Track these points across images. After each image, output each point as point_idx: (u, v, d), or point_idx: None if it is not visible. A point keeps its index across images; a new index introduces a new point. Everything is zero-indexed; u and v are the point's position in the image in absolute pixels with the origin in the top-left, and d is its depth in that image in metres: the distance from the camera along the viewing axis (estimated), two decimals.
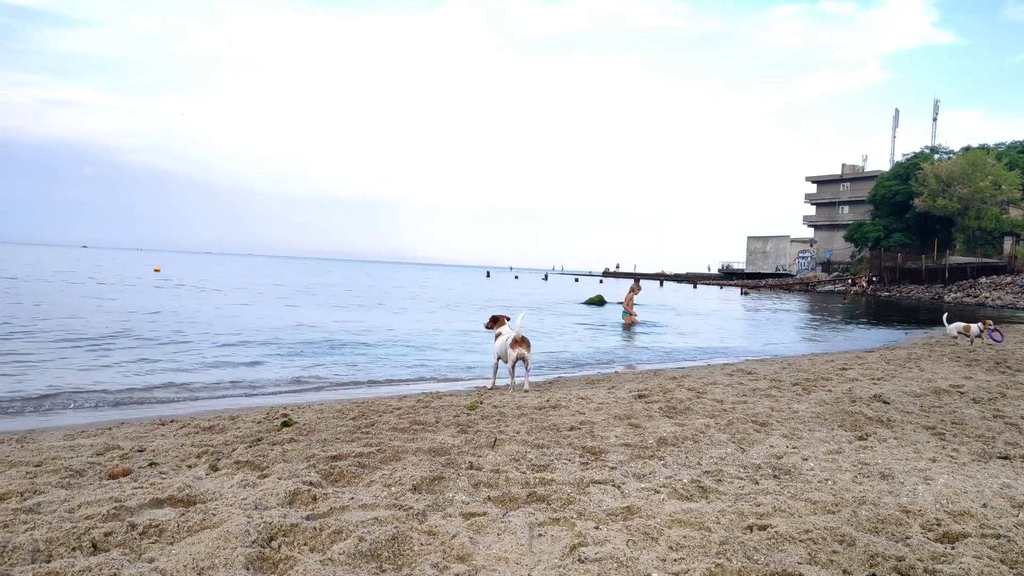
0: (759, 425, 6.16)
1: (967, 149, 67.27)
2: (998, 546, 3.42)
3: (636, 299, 22.26)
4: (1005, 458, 5.23)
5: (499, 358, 8.61)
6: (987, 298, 45.33)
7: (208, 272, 57.85)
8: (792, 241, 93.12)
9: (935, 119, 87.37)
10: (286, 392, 9.06)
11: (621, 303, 22.86)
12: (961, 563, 3.19)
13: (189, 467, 4.52)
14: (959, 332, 16.17)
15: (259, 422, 6.15)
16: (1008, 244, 55.80)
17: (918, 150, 72.33)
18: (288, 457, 4.70)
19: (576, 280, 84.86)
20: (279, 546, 3.11)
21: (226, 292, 32.46)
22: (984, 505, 4.05)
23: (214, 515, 3.37)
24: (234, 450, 4.95)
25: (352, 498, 3.79)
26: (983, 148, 67.53)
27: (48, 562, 2.86)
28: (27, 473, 4.25)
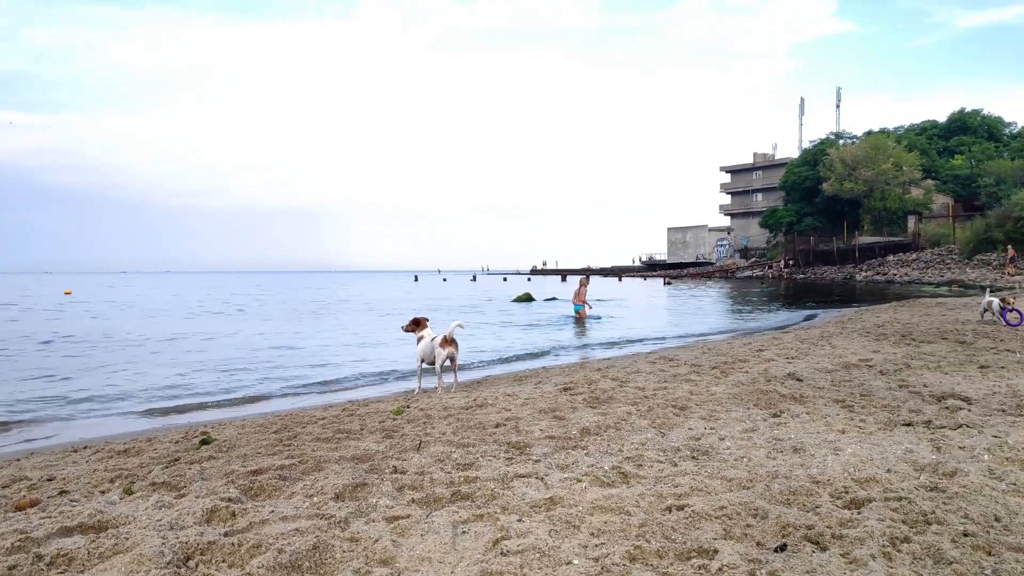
0: (679, 409, 6.33)
1: (869, 133, 70.39)
2: (900, 508, 3.61)
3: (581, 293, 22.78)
4: (908, 425, 5.51)
5: (423, 360, 8.56)
6: (895, 275, 47.54)
7: (122, 292, 55.61)
8: (710, 230, 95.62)
9: (838, 106, 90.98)
10: (209, 409, 8.81)
11: (571, 300, 23.27)
12: (866, 526, 3.36)
13: (102, 492, 4.36)
14: (984, 308, 13.60)
15: (177, 442, 5.98)
16: (912, 222, 58.64)
17: (824, 136, 75.38)
18: (207, 475, 4.59)
19: (505, 279, 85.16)
20: (196, 565, 3.04)
21: (141, 310, 31.35)
22: (888, 471, 4.27)
23: (127, 539, 3.27)
24: (150, 472, 4.80)
25: (272, 511, 3.73)
26: (884, 132, 70.80)
27: None
28: None
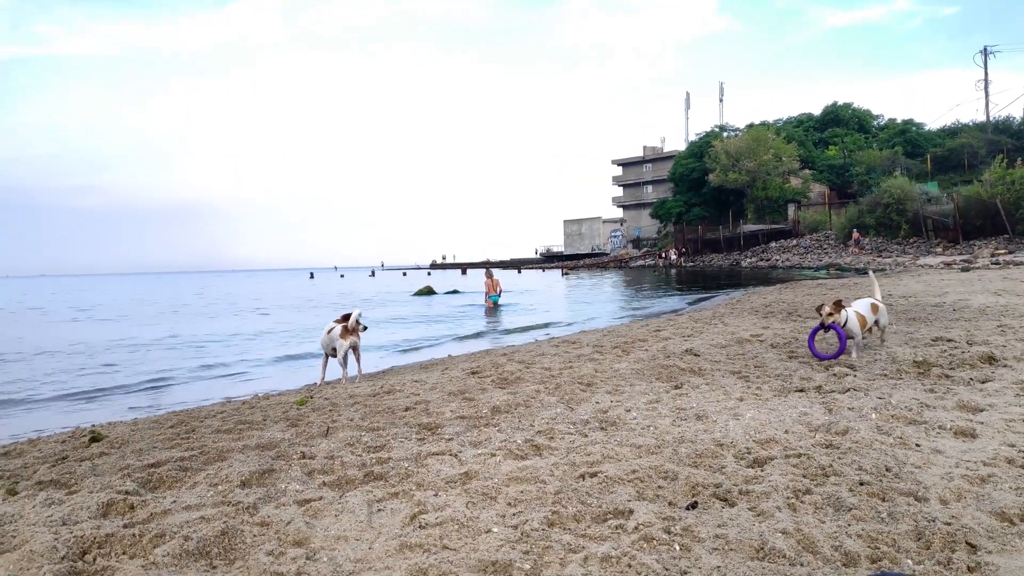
0: (585, 386, 6.44)
1: (751, 126, 73.50)
2: (800, 463, 3.80)
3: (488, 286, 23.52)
4: (801, 391, 5.80)
5: (326, 353, 8.34)
6: (778, 260, 49.94)
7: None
8: (604, 222, 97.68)
9: (721, 100, 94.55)
10: (93, 410, 8.30)
11: (485, 291, 23.82)
12: (770, 482, 3.52)
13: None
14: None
15: (63, 441, 5.61)
16: (792, 210, 61.71)
17: (709, 129, 78.19)
18: (99, 471, 4.32)
19: (404, 274, 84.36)
20: (94, 558, 2.86)
21: (18, 313, 29.25)
22: (786, 431, 4.48)
23: (14, 537, 3.05)
24: (35, 472, 4.47)
25: (175, 501, 3.56)
26: (764, 124, 74.11)
27: None
28: None
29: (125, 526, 3.19)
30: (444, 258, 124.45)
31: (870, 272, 8.67)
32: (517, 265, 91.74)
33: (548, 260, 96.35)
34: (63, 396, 9.26)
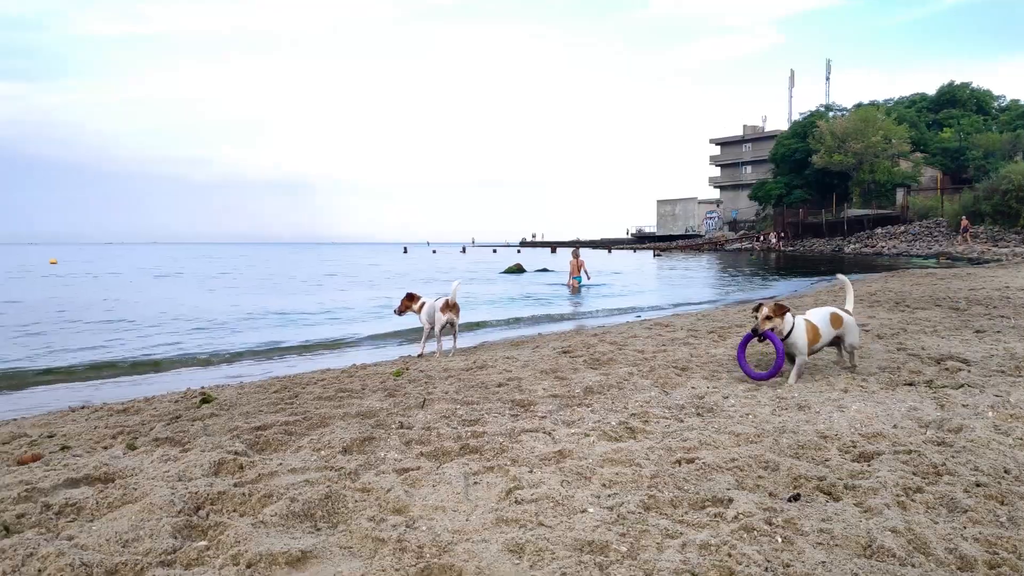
0: (680, 370, 6.33)
1: (859, 106, 70.11)
2: (910, 460, 3.62)
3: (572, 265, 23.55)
4: (910, 384, 5.53)
5: (430, 325, 8.53)
6: (883, 247, 47.72)
7: (110, 262, 55.00)
8: (699, 203, 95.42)
9: (828, 78, 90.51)
10: (203, 370, 8.75)
11: (569, 271, 23.81)
12: (877, 478, 3.37)
13: (105, 448, 4.31)
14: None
15: (176, 401, 5.93)
16: (900, 195, 58.75)
17: (814, 109, 75.10)
18: (210, 431, 4.55)
19: (494, 251, 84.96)
20: (207, 514, 3.01)
21: (128, 278, 31.10)
22: (895, 426, 4.28)
23: (135, 489, 3.23)
24: (152, 428, 4.75)
25: (280, 464, 3.70)
26: (873, 104, 70.59)
27: None
28: None
29: (235, 485, 3.34)
30: (534, 236, 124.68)
31: (839, 276, 7.15)
32: (607, 245, 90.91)
33: (640, 241, 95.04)
34: (180, 357, 9.80)
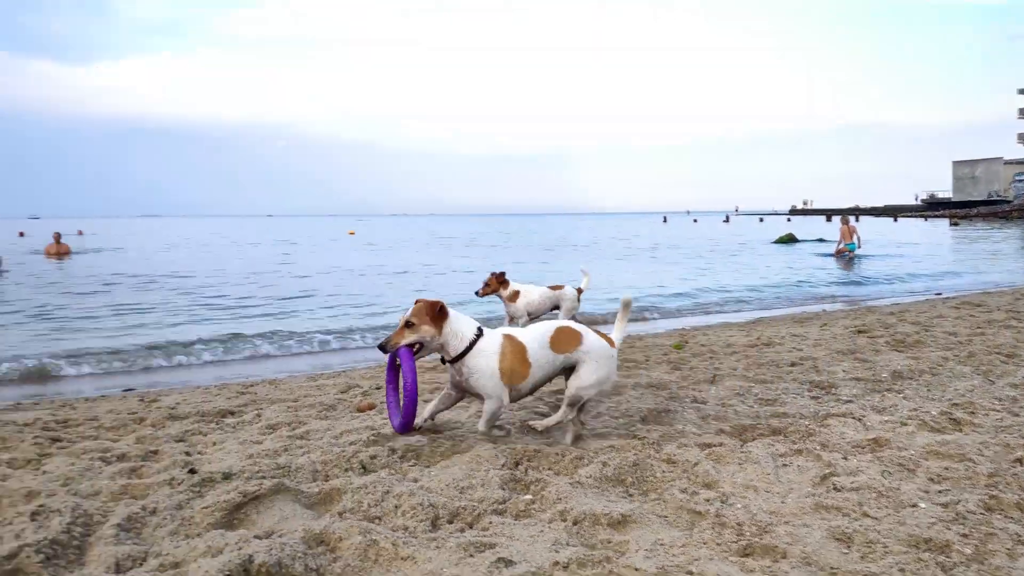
0: (1005, 356, 5.63)
1: None
2: None
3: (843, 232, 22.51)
4: None
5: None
6: None
7: (403, 233, 60.53)
8: (1006, 163, 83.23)
9: None
10: None
11: (839, 239, 22.80)
12: None
13: (424, 401, 4.79)
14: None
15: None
16: None
17: None
18: None
19: (761, 220, 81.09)
20: (526, 470, 3.24)
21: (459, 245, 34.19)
22: None
23: (462, 441, 3.57)
24: None
25: (585, 428, 3.87)
26: None
27: (326, 480, 3.15)
28: (288, 407, 4.70)
29: (548, 444, 3.56)
30: (805, 204, 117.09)
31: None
32: (892, 212, 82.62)
33: (931, 208, 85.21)
34: None
